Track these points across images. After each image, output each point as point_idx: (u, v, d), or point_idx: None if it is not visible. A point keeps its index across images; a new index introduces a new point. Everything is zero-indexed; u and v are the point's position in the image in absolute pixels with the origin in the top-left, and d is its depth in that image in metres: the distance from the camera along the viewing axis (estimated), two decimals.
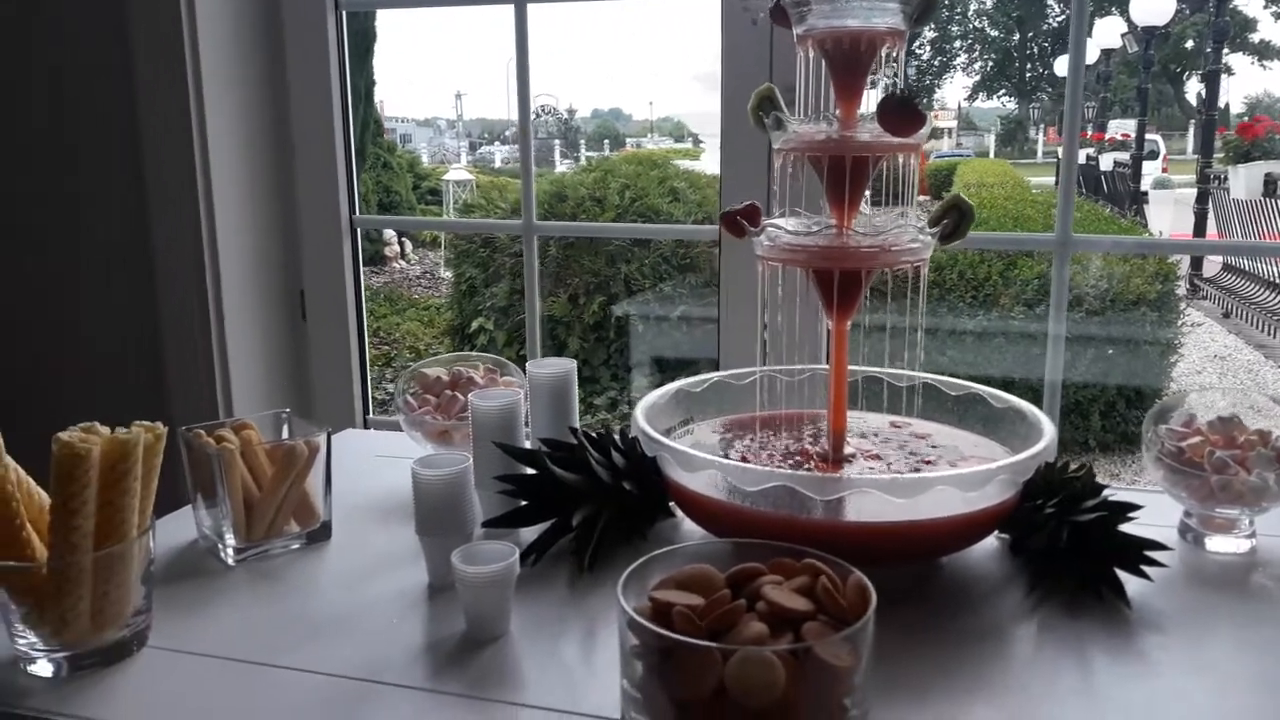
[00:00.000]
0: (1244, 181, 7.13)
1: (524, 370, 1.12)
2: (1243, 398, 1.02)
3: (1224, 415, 0.99)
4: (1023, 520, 0.91)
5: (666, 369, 4.10)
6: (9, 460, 0.76)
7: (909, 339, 0.95)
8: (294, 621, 0.86)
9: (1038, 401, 1.08)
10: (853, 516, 0.86)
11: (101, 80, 1.63)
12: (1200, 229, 7.22)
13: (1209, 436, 0.98)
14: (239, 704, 0.74)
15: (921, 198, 0.91)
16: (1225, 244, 6.65)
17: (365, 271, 1.82)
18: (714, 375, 1.11)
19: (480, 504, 0.95)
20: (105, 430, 0.78)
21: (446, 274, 6.29)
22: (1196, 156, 8.16)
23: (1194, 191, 7.61)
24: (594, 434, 1.01)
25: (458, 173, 8.33)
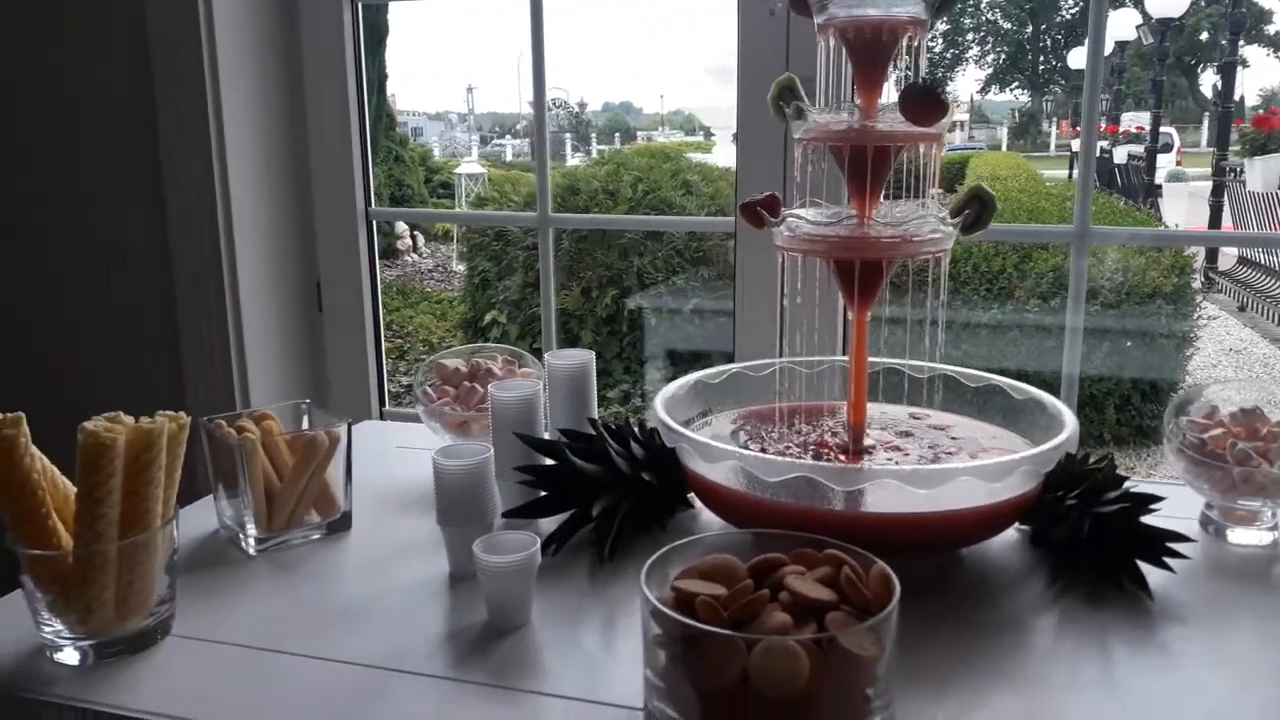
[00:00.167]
0: (1260, 174, 7.08)
1: (541, 362, 1.12)
2: (1262, 390, 1.02)
3: (1246, 407, 0.98)
4: (1044, 512, 0.91)
5: (679, 362, 4.10)
6: (34, 450, 0.77)
7: (926, 331, 0.95)
8: (316, 611, 0.86)
9: (1054, 394, 1.07)
10: (873, 507, 0.86)
11: (117, 75, 1.63)
12: (1216, 222, 7.16)
13: (1231, 428, 0.97)
14: (263, 692, 0.74)
15: (935, 190, 0.91)
16: (1243, 236, 6.61)
17: (379, 264, 1.82)
18: (732, 366, 1.11)
19: (500, 494, 0.96)
20: (129, 420, 0.78)
21: (459, 267, 6.30)
22: (1212, 149, 8.11)
23: (1208, 184, 7.56)
24: (613, 425, 1.01)
25: (470, 166, 8.34)
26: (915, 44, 0.89)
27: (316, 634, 0.82)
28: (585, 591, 0.88)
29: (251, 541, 0.96)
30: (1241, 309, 6.41)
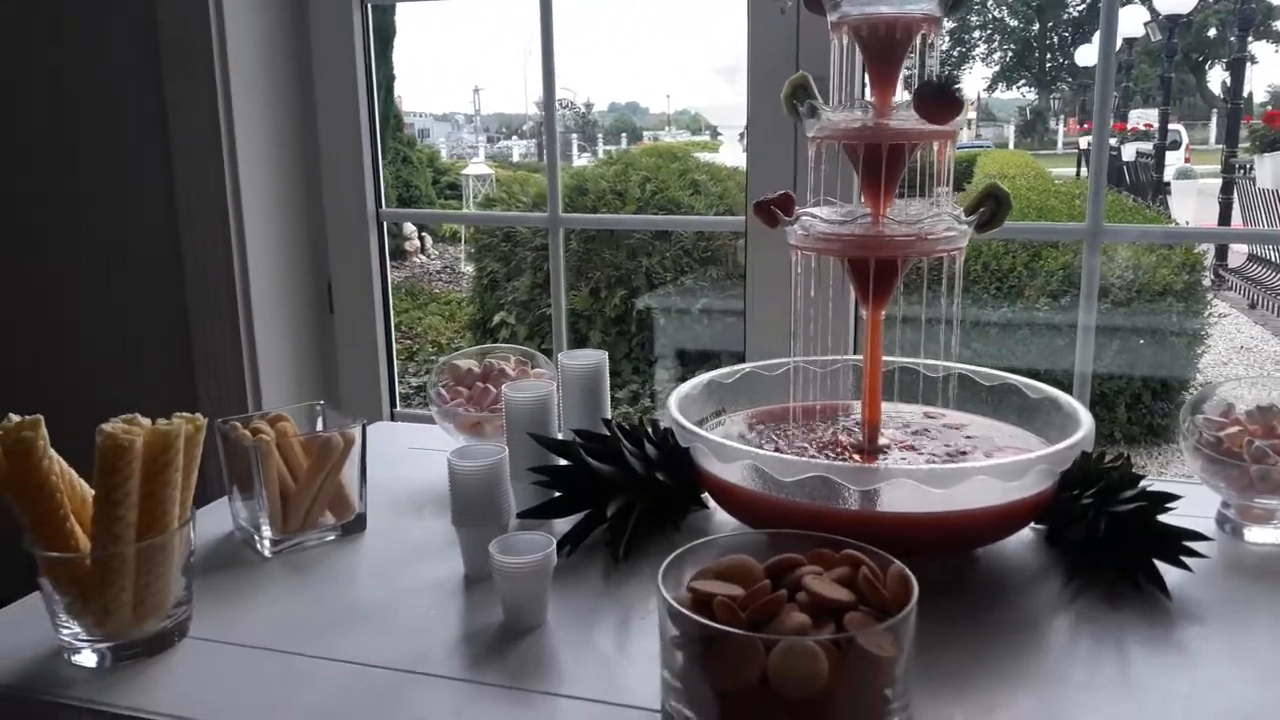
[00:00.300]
0: (1270, 170, 7.04)
1: (552, 362, 1.12)
2: (1278, 387, 1.01)
3: (1263, 405, 0.98)
4: (1059, 511, 0.91)
5: (688, 362, 4.09)
6: (53, 452, 0.77)
7: (935, 330, 0.95)
8: (332, 612, 0.86)
9: (1065, 393, 1.07)
10: (889, 507, 0.85)
11: (118, 74, 1.64)
12: (1226, 219, 7.13)
13: (1247, 426, 0.97)
14: (280, 694, 0.74)
15: (941, 189, 0.91)
16: (1255, 233, 6.57)
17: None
18: (745, 366, 1.11)
19: (514, 495, 0.96)
20: (147, 422, 0.78)
21: (467, 268, 6.30)
22: (1221, 146, 8.07)
23: (1217, 181, 7.52)
24: (626, 425, 1.01)
25: (477, 167, 8.34)
26: (929, 41, 0.89)
27: (332, 636, 0.82)
28: (600, 592, 0.88)
29: (267, 543, 0.96)
30: (1252, 306, 6.39)
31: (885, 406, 1.01)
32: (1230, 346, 5.53)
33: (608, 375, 1.09)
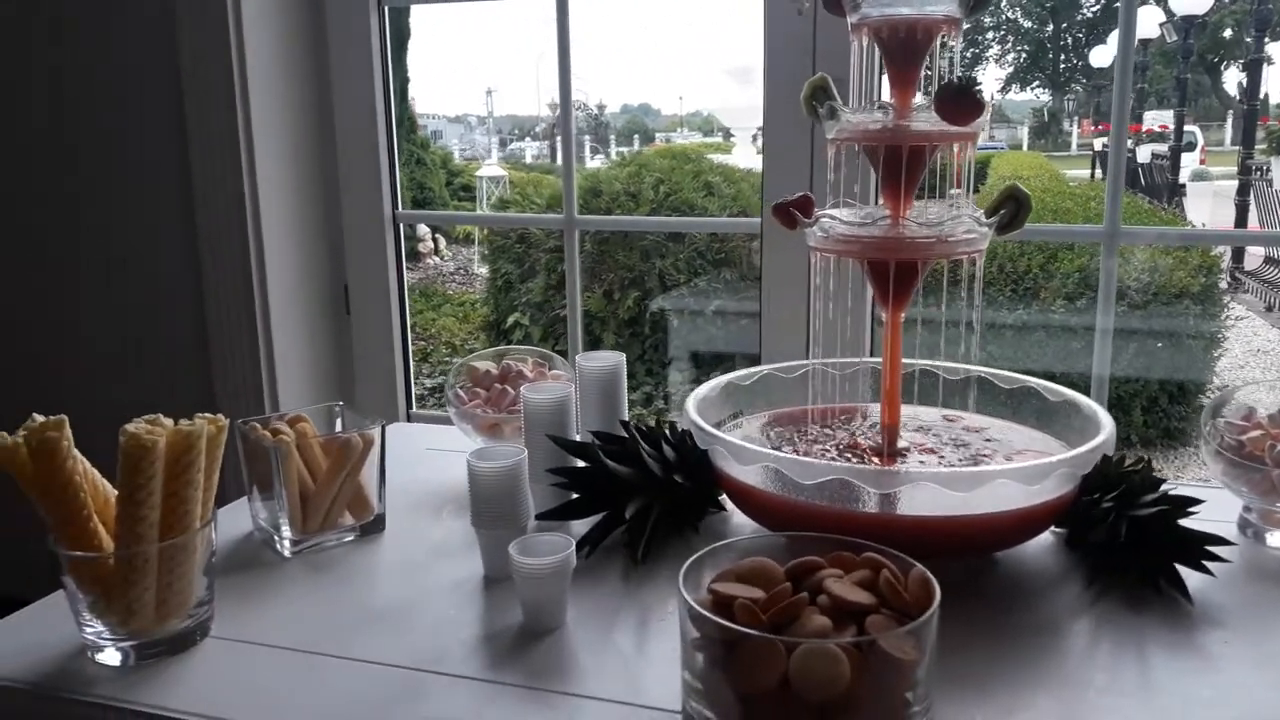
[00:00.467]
0: None
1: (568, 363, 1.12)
2: None
3: None
4: (1080, 514, 0.90)
5: (702, 364, 4.09)
6: (76, 453, 0.78)
7: (954, 333, 0.95)
8: (352, 613, 0.86)
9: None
10: (909, 510, 0.85)
11: (148, 79, 1.65)
12: (1242, 221, 7.08)
13: (1269, 430, 0.96)
14: (301, 693, 0.75)
15: (954, 191, 0.91)
16: (1275, 235, 6.52)
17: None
18: (763, 368, 1.11)
19: (532, 496, 0.96)
20: (169, 422, 0.79)
21: (481, 270, 6.31)
22: (1237, 148, 8.02)
23: (1233, 183, 7.48)
24: (644, 427, 1.01)
25: (491, 169, 8.35)
26: (950, 43, 0.88)
27: (352, 636, 0.82)
28: (619, 593, 0.88)
29: (286, 544, 0.97)
30: (1269, 309, 6.34)
31: (904, 409, 1.01)
32: (1247, 349, 5.49)
33: (625, 377, 1.09)
